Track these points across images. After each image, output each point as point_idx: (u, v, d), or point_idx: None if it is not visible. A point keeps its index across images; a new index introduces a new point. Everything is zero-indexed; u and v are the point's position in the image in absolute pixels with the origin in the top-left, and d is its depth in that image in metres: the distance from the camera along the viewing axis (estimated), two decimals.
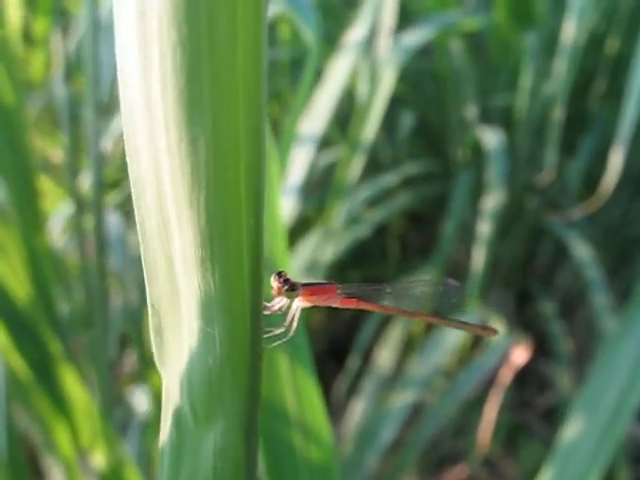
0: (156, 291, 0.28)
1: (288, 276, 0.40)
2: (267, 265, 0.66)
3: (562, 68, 1.43)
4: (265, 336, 0.31)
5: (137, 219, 0.27)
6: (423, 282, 0.47)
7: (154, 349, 0.29)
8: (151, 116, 0.24)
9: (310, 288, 0.41)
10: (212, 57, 0.23)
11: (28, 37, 1.62)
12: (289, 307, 0.40)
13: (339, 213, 1.45)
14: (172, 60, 0.23)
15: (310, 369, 0.67)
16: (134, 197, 0.27)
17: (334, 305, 0.43)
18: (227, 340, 0.27)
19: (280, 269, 0.39)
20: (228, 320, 0.27)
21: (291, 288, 0.39)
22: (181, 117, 0.24)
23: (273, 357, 0.65)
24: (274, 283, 0.39)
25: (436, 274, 1.56)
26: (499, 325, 1.50)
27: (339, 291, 0.43)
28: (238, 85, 0.23)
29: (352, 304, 0.45)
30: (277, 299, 0.40)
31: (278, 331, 0.39)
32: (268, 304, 0.39)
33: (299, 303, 0.41)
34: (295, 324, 0.40)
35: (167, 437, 0.28)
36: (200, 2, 0.22)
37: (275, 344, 0.37)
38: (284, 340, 0.38)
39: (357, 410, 1.38)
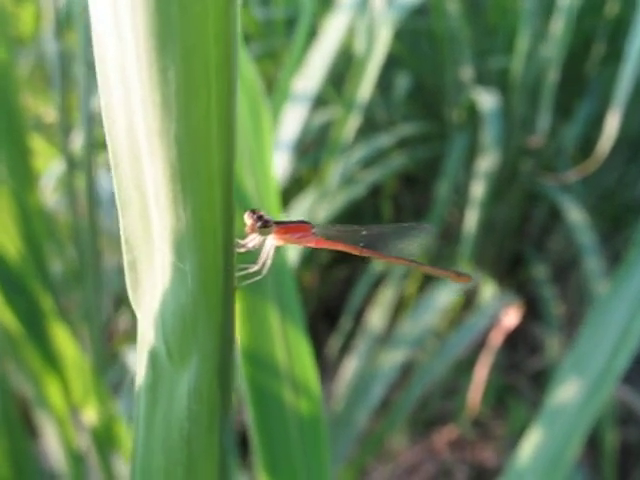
0: (130, 226, 0.28)
1: (262, 213, 0.39)
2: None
3: (558, 29, 1.41)
4: (238, 274, 0.31)
5: (109, 150, 0.26)
6: (400, 226, 0.46)
7: (128, 287, 0.28)
8: (122, 46, 0.24)
9: (284, 226, 0.40)
10: None
11: None
12: (263, 245, 0.39)
13: (334, 173, 1.45)
14: None
15: (301, 325, 0.67)
16: (105, 127, 0.26)
17: (309, 245, 0.42)
18: (199, 276, 0.26)
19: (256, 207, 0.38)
20: (200, 256, 0.26)
21: (264, 225, 0.39)
22: (151, 46, 0.23)
23: (264, 312, 0.65)
24: (248, 220, 0.38)
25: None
26: (491, 287, 1.51)
27: (314, 230, 0.42)
28: (208, 11, 0.22)
29: (326, 245, 0.44)
30: (250, 236, 0.39)
31: (252, 269, 0.38)
32: (241, 241, 0.38)
33: (273, 241, 0.40)
34: (269, 262, 0.39)
35: (143, 377, 0.28)
36: None
37: (248, 282, 0.36)
38: (257, 278, 0.37)
39: (349, 369, 1.39)
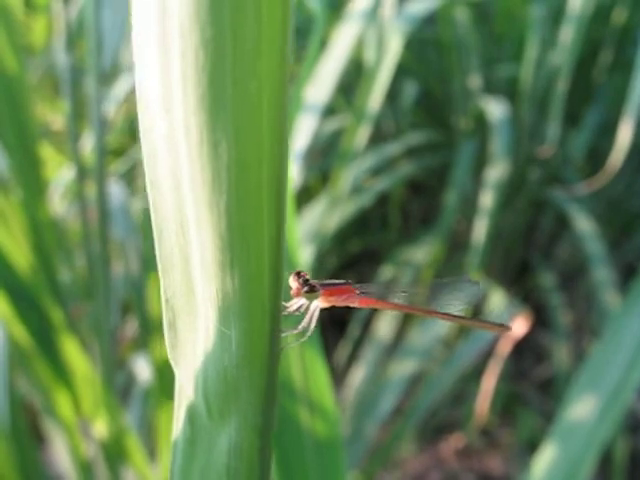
0: (171, 288, 0.28)
1: (307, 276, 0.38)
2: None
3: (568, 38, 1.41)
4: (282, 335, 0.31)
5: (152, 216, 0.26)
6: (440, 282, 0.47)
7: (167, 344, 0.28)
8: (170, 118, 0.24)
9: (329, 289, 0.40)
10: (236, 59, 0.22)
11: (29, 2, 1.59)
12: (307, 307, 0.39)
13: (345, 181, 1.44)
14: (194, 61, 0.22)
15: (318, 347, 0.67)
16: (150, 196, 0.26)
17: (352, 305, 0.42)
18: (244, 342, 0.26)
19: (299, 269, 0.38)
20: (246, 323, 0.26)
21: (311, 289, 0.38)
22: (202, 120, 0.23)
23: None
24: (293, 284, 0.38)
25: (438, 244, 1.56)
26: (499, 296, 1.50)
27: (357, 291, 0.42)
28: (262, 88, 0.22)
29: (371, 303, 0.44)
30: (295, 299, 0.38)
31: (295, 331, 0.38)
32: (286, 304, 0.38)
33: (318, 303, 0.39)
34: (313, 324, 0.38)
35: (180, 431, 0.28)
36: (224, 1, 0.21)
37: (293, 345, 0.36)
38: (301, 340, 0.37)
39: (357, 377, 1.39)
